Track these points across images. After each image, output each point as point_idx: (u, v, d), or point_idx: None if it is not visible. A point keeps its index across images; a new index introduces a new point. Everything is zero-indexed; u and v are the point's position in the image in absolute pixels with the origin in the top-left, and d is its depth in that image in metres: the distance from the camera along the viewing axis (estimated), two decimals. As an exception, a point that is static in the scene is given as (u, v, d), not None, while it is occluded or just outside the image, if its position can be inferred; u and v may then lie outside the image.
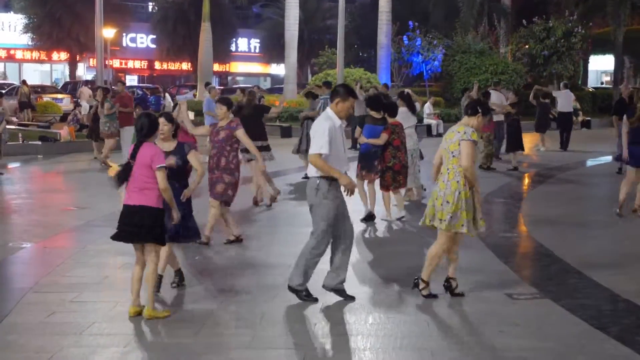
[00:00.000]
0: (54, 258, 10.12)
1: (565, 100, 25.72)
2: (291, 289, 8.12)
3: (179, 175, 8.52)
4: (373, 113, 12.82)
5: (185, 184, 8.68)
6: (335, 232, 8.11)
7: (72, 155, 22.78)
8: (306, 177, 17.18)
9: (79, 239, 11.54)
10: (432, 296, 8.20)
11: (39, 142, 23.95)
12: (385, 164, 12.48)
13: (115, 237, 7.72)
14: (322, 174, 7.90)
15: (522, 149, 20.33)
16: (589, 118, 36.01)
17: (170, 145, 8.54)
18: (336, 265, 8.19)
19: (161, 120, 8.38)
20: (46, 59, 54.71)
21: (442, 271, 8.51)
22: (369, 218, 12.52)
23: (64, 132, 25.28)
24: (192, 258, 10.16)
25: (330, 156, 7.86)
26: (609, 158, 22.15)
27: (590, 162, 22.32)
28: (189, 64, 54.52)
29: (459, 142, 7.96)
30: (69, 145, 24.29)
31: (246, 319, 7.61)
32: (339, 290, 8.19)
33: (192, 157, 8.64)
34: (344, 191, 7.93)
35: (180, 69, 60.66)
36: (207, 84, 26.35)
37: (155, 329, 7.36)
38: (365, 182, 12.75)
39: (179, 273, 8.76)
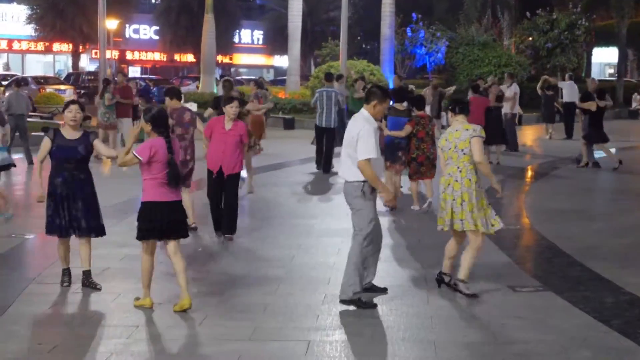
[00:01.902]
0: (55, 250, 10.11)
1: (570, 91, 26.10)
2: (346, 302, 7.75)
3: (83, 166, 8.36)
4: (397, 105, 13.13)
5: (89, 175, 8.42)
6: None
7: (75, 147, 22.74)
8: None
9: (82, 230, 11.54)
10: (473, 295, 8.07)
11: (42, 133, 23.92)
12: (410, 156, 12.71)
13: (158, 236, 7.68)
14: (364, 179, 7.67)
15: (505, 143, 20.19)
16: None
17: (76, 134, 8.33)
18: (366, 265, 8.09)
19: (74, 107, 8.28)
20: (49, 50, 54.71)
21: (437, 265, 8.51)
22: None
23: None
24: (194, 250, 10.17)
25: (374, 160, 7.72)
26: (613, 150, 22.11)
27: (594, 154, 22.25)
28: (192, 55, 54.51)
29: (469, 139, 7.96)
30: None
31: (248, 311, 7.61)
32: (369, 288, 8.13)
33: (98, 145, 8.43)
34: (383, 204, 7.84)
35: (183, 60, 60.63)
36: (222, 77, 26.13)
37: (158, 320, 7.37)
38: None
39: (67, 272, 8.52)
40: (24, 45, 55.38)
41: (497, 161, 18.77)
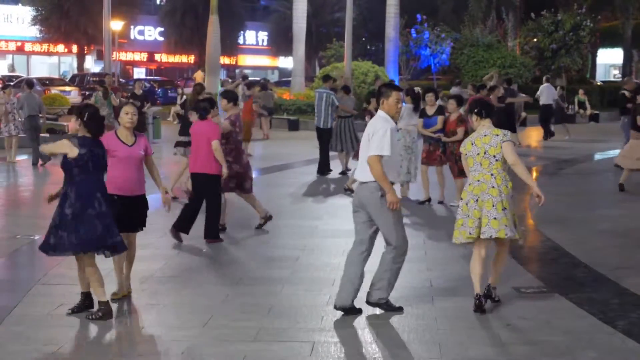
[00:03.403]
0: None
1: (547, 94, 26.41)
2: (372, 304, 7.68)
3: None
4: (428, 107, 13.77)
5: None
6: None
7: (80, 148, 22.80)
8: (343, 173, 17.24)
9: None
10: (497, 301, 8.00)
11: (47, 135, 23.96)
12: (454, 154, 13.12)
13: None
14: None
15: None
16: (597, 112, 35.93)
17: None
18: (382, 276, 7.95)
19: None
20: (54, 51, 54.78)
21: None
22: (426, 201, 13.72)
23: (72, 124, 25.27)
24: (198, 250, 10.18)
25: (388, 160, 7.50)
26: (617, 152, 22.08)
27: (598, 156, 22.24)
28: (197, 56, 54.55)
29: (500, 144, 7.67)
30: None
31: (253, 312, 7.62)
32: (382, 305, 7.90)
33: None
34: (387, 204, 7.45)
35: (187, 61, 60.70)
36: (245, 77, 26.06)
37: (163, 322, 7.38)
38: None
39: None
40: (29, 47, 55.45)
41: None
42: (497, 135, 7.72)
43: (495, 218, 7.56)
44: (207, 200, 10.61)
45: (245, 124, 20.72)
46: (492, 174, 7.67)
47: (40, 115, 19.57)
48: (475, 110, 7.92)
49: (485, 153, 7.70)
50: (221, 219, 10.94)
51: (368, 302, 7.68)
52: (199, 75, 22.18)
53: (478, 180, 7.70)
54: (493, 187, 7.63)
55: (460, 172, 12.71)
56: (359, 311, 7.64)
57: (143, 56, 61.68)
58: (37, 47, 55.14)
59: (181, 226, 10.58)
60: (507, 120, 19.61)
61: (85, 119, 7.32)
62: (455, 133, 13.05)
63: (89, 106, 7.73)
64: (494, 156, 7.67)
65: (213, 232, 10.62)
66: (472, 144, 7.81)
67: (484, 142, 7.73)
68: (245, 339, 6.89)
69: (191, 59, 58.03)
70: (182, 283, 8.65)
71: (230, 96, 11.26)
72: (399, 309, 7.68)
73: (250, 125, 20.77)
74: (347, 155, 17.51)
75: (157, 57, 61.49)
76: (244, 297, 8.12)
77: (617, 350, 6.69)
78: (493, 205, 7.57)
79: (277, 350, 6.64)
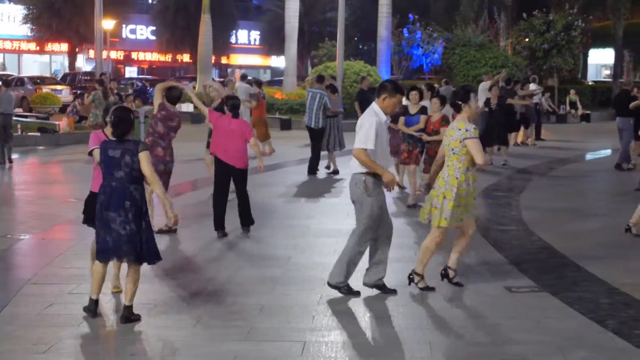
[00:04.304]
0: (52, 250, 10.12)
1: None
2: (331, 285, 8.10)
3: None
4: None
5: None
6: (376, 228, 8.06)
7: (71, 147, 22.74)
8: (332, 173, 17.30)
9: (78, 231, 11.50)
10: (429, 289, 8.22)
11: (38, 134, 23.93)
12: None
13: None
14: (366, 170, 7.83)
15: (505, 144, 19.88)
16: (588, 112, 36.03)
17: None
18: (376, 260, 8.18)
19: None
20: (45, 50, 54.62)
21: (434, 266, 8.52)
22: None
23: (63, 123, 25.25)
24: (188, 250, 10.17)
25: (375, 152, 7.81)
26: (608, 152, 22.18)
27: (589, 156, 22.31)
28: (189, 55, 54.46)
29: (460, 140, 7.95)
30: (68, 136, 24.27)
31: (244, 311, 7.61)
32: (380, 286, 8.20)
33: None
34: (385, 187, 7.92)
35: (180, 60, 60.61)
36: (245, 77, 25.92)
37: (154, 321, 7.36)
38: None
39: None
40: (21, 45, 55.28)
41: (502, 162, 18.94)
42: (460, 129, 8.02)
43: (435, 207, 8.06)
44: (240, 191, 11.17)
45: (258, 122, 20.53)
46: (447, 165, 8.10)
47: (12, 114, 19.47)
48: (452, 105, 8.40)
49: (448, 144, 8.09)
50: (168, 222, 10.90)
51: (328, 283, 8.12)
52: (237, 75, 22.34)
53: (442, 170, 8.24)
54: (442, 177, 8.08)
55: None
56: (392, 291, 8.17)
57: (134, 55, 61.54)
58: (28, 46, 54.95)
59: (221, 223, 11.05)
60: (506, 120, 19.59)
61: None
62: (437, 132, 12.79)
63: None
64: (452, 149, 8.04)
65: (250, 218, 11.29)
66: (445, 136, 8.25)
67: (450, 135, 8.11)
68: (236, 338, 6.88)
69: (183, 58, 57.93)
70: (173, 283, 8.63)
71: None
72: (357, 293, 8.08)
73: (263, 123, 20.57)
74: (332, 153, 17.59)
75: (149, 56, 61.37)
76: (235, 297, 8.12)
77: (607, 349, 6.70)
78: (436, 195, 8.08)
79: (268, 350, 6.63)
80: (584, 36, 41.84)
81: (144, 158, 7.14)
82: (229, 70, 64.28)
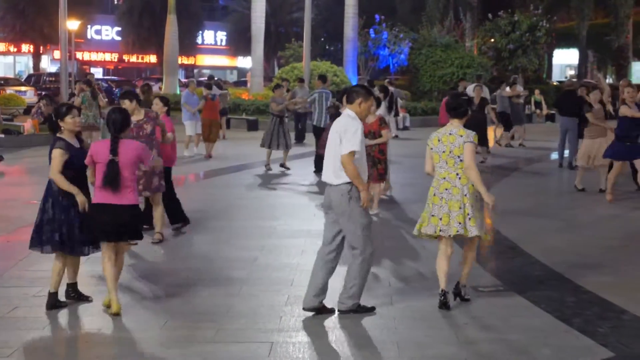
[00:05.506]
0: (17, 252, 10.00)
1: (500, 101, 26.36)
2: (344, 312, 7.57)
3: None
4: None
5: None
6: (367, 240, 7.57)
7: (35, 149, 22.52)
8: (284, 167, 17.49)
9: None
10: (467, 299, 8.08)
11: (2, 135, 23.66)
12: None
13: (102, 236, 7.49)
14: (349, 180, 7.38)
15: (485, 145, 20.11)
16: (553, 112, 36.32)
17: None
18: (323, 287, 7.76)
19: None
20: (9, 50, 54.08)
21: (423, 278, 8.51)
22: None
23: (28, 125, 24.99)
24: (156, 252, 10.12)
25: (360, 160, 7.42)
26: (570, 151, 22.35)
27: (554, 156, 22.47)
28: (155, 56, 54.19)
29: (462, 145, 7.70)
30: (32, 138, 24.03)
31: (211, 313, 7.59)
32: (320, 309, 7.76)
33: None
34: (361, 203, 7.40)
35: (145, 61, 60.29)
36: (211, 77, 25.84)
37: (120, 324, 7.31)
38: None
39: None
40: (-16, 46, 54.73)
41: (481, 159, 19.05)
42: (462, 136, 7.74)
43: (458, 216, 7.66)
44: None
45: (207, 123, 20.76)
46: (457, 174, 7.74)
47: None
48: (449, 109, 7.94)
49: (450, 152, 7.74)
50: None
51: (340, 311, 7.58)
52: (249, 76, 22.49)
53: (444, 178, 7.77)
54: (456, 186, 7.70)
55: (380, 176, 12.52)
56: (330, 311, 7.61)
57: (100, 56, 61.13)
58: (-8, 47, 54.42)
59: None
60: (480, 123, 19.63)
61: None
62: (375, 135, 12.28)
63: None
64: (459, 157, 7.71)
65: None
66: (439, 141, 7.83)
67: (450, 141, 7.76)
68: (203, 340, 6.86)
69: (149, 58, 57.66)
70: (140, 285, 8.58)
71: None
72: (371, 309, 7.66)
73: (212, 125, 20.71)
74: (283, 151, 18.06)
75: (115, 56, 61.00)
76: (202, 298, 8.09)
77: (572, 347, 6.76)
78: (459, 206, 7.66)
79: (235, 351, 6.61)
80: (548, 37, 42.26)
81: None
82: (195, 71, 64.10)
